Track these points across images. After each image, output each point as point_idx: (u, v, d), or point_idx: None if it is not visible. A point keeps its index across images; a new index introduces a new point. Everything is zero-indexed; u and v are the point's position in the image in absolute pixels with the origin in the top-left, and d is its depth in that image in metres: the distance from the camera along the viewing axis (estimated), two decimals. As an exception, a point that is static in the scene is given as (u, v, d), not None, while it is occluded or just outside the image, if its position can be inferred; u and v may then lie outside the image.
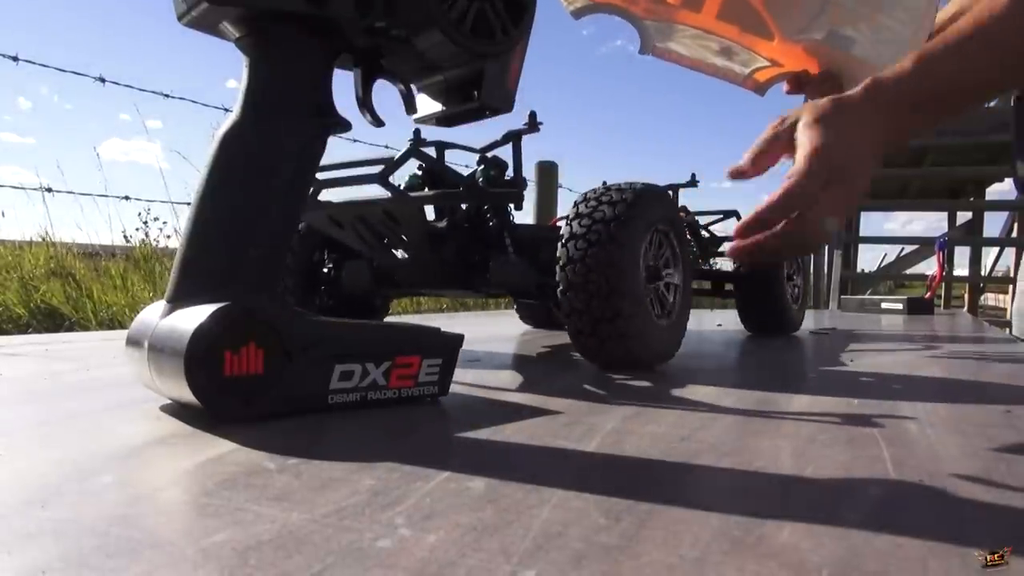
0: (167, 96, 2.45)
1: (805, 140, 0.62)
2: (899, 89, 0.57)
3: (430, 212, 0.86)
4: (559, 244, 0.71)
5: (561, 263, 0.70)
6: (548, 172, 3.19)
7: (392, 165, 0.73)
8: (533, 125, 0.80)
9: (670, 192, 1.18)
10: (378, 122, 0.55)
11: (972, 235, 4.36)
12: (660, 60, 0.86)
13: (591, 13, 0.78)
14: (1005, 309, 3.86)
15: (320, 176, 0.78)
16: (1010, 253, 3.76)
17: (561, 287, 0.70)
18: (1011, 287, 3.59)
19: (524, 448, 0.40)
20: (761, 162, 0.68)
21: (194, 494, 0.31)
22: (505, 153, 0.83)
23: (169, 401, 0.50)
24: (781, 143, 0.67)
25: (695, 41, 0.83)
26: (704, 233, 1.29)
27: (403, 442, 0.43)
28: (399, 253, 0.85)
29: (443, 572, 0.23)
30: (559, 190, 3.25)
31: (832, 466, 0.36)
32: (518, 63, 0.55)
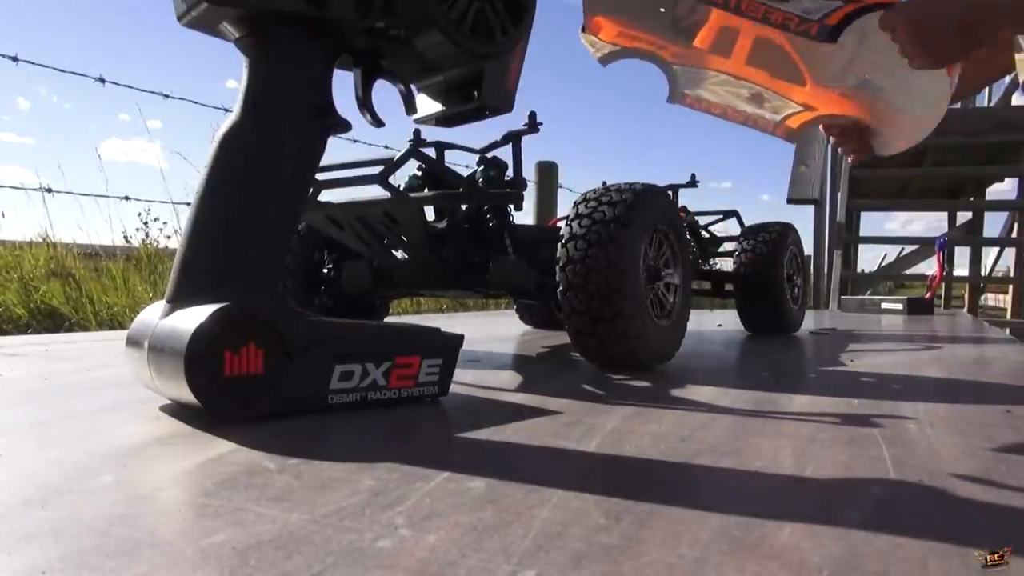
0: (167, 96, 2.45)
1: None
2: None
3: (430, 212, 0.86)
4: (559, 245, 0.71)
5: (561, 263, 0.70)
6: (548, 172, 3.19)
7: (392, 166, 0.73)
8: (533, 125, 0.80)
9: (670, 192, 1.18)
10: (378, 122, 0.55)
11: (972, 235, 4.36)
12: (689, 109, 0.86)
13: (619, 59, 0.78)
14: (1005, 309, 3.86)
15: (320, 176, 0.78)
16: (1010, 253, 3.76)
17: (561, 287, 0.70)
18: (1011, 287, 3.58)
19: (524, 448, 0.40)
20: None
21: (194, 494, 0.31)
22: (505, 154, 0.83)
23: (169, 401, 0.50)
24: None
25: (724, 88, 0.83)
26: (704, 233, 1.29)
27: (403, 442, 0.43)
28: (399, 254, 0.85)
29: (443, 572, 0.23)
30: (559, 190, 3.25)
31: (832, 466, 0.36)
32: (518, 63, 0.55)
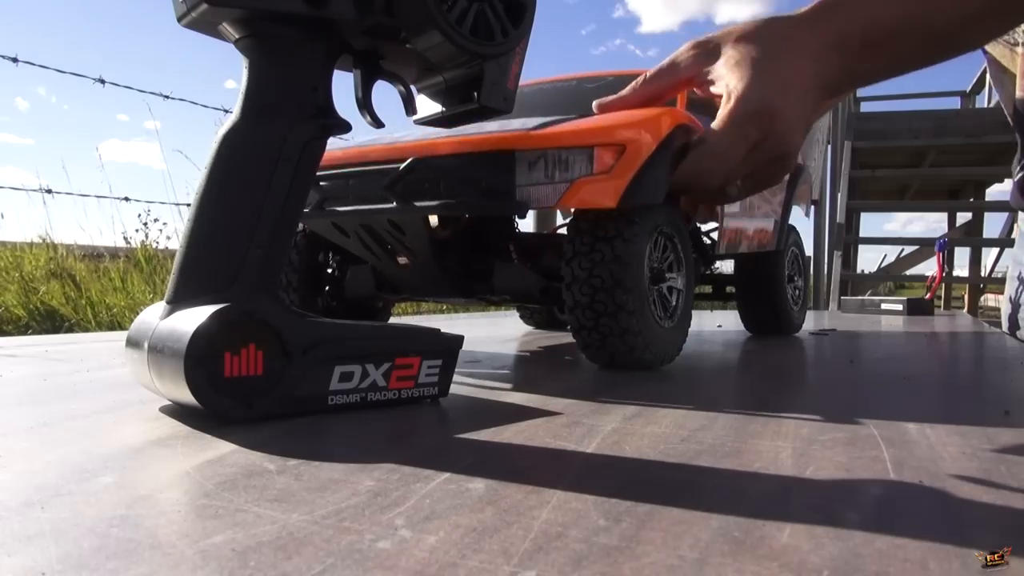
0: (167, 97, 2.45)
1: (731, 79, 0.54)
2: (855, 14, 0.51)
3: (433, 219, 0.86)
4: (565, 241, 0.72)
5: (567, 258, 0.71)
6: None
7: (397, 176, 0.73)
8: None
9: None
10: (378, 123, 0.55)
11: (972, 235, 4.36)
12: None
13: None
14: (1005, 310, 3.86)
15: (325, 182, 0.78)
16: (1010, 254, 3.76)
17: (566, 281, 0.71)
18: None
19: (524, 449, 0.40)
20: (645, 95, 0.63)
21: (193, 495, 0.31)
22: None
23: (168, 402, 0.50)
24: (682, 75, 0.59)
25: None
26: (706, 240, 1.29)
27: (403, 443, 0.43)
28: (402, 259, 0.85)
29: (443, 573, 0.23)
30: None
31: (832, 467, 0.36)
32: (518, 64, 0.55)
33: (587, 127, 0.70)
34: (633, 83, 0.64)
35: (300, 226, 0.88)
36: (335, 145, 0.80)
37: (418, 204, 0.73)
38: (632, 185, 0.67)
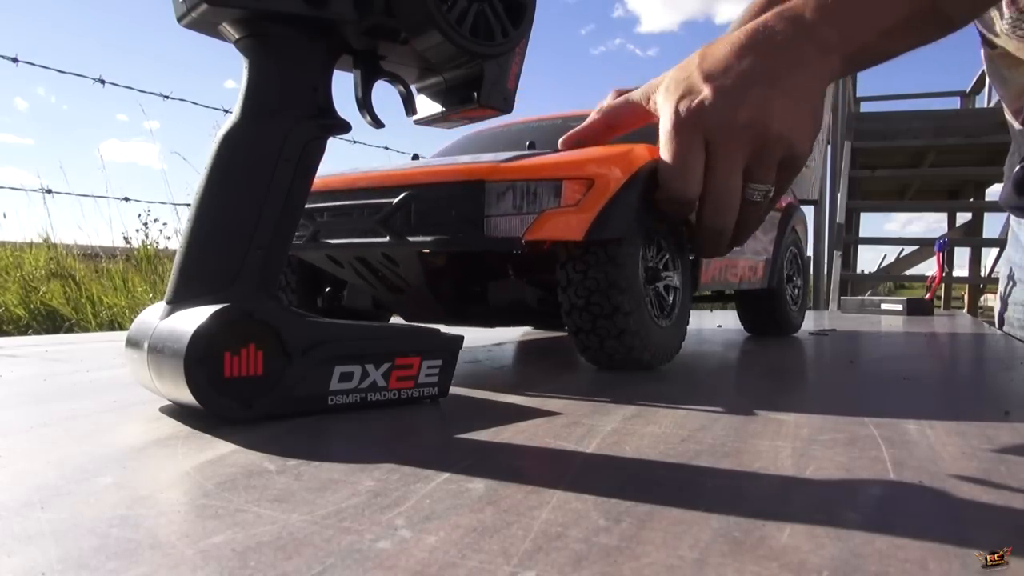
0: (166, 97, 2.45)
1: (661, 102, 0.56)
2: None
3: None
4: (559, 244, 0.72)
5: (561, 261, 0.71)
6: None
7: (391, 210, 0.73)
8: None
9: None
10: (377, 123, 0.55)
11: (972, 235, 4.36)
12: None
13: None
14: (1005, 310, 3.86)
15: (319, 214, 0.78)
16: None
17: (561, 284, 0.71)
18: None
19: (524, 449, 0.40)
20: (605, 122, 0.66)
21: (193, 495, 0.31)
22: None
23: (168, 403, 0.50)
24: (636, 106, 0.62)
25: None
26: None
27: (403, 443, 0.43)
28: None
29: (443, 573, 0.23)
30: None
31: (832, 467, 0.36)
32: (518, 64, 0.55)
33: (556, 160, 0.71)
34: (592, 114, 0.67)
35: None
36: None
37: (412, 239, 0.72)
38: (599, 218, 0.67)
